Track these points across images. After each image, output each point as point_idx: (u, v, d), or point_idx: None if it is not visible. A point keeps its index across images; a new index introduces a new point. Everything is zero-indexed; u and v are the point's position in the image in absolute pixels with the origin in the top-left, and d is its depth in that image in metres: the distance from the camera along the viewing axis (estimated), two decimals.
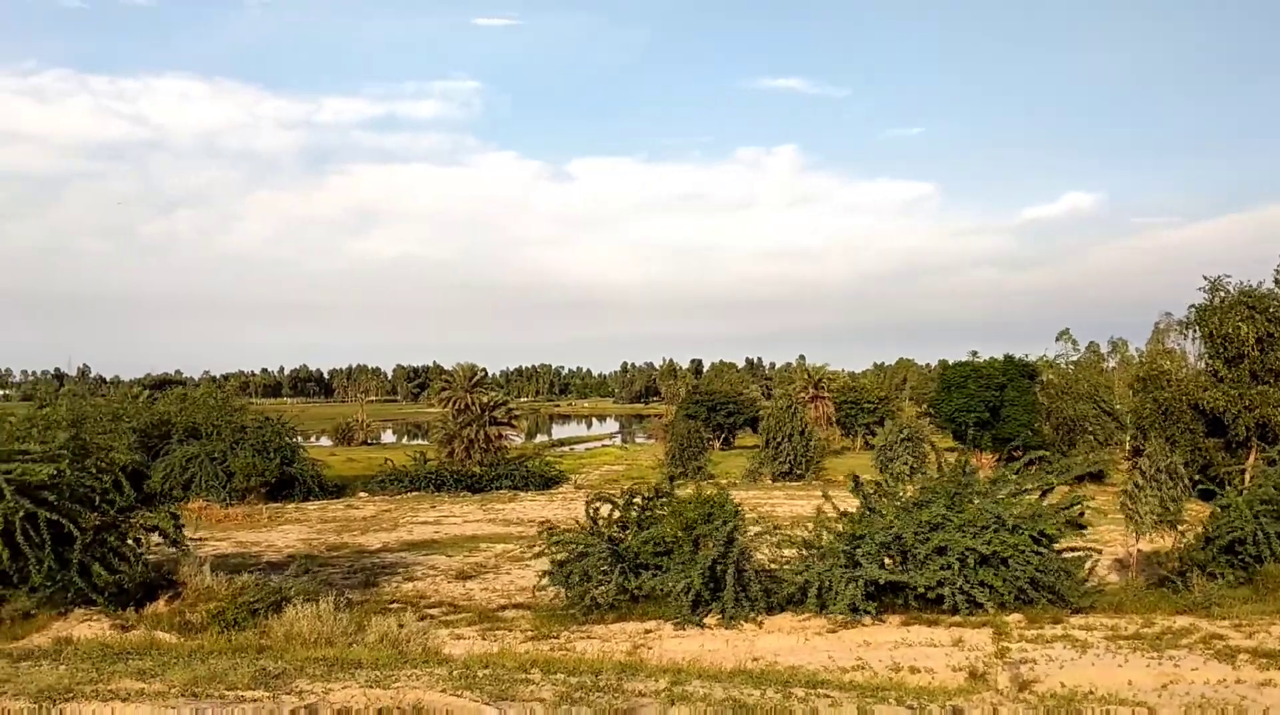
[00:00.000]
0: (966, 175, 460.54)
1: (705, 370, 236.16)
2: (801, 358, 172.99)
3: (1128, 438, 59.41)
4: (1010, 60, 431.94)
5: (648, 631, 17.81)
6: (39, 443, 17.99)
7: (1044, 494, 20.25)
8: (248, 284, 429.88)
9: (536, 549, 20.66)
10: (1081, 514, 20.27)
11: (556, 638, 17.32)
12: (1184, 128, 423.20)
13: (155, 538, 19.84)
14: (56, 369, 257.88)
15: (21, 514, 16.58)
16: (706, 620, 18.12)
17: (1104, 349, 67.21)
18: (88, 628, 15.99)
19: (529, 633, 17.89)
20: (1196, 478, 27.55)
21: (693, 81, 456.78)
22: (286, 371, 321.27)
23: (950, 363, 78.57)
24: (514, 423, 71.79)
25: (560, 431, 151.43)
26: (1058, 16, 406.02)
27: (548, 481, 56.77)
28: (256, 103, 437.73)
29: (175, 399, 59.90)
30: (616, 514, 21.26)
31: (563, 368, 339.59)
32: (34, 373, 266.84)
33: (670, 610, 18.51)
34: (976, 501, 19.43)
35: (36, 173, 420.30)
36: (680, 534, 19.93)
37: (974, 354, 77.09)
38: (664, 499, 21.05)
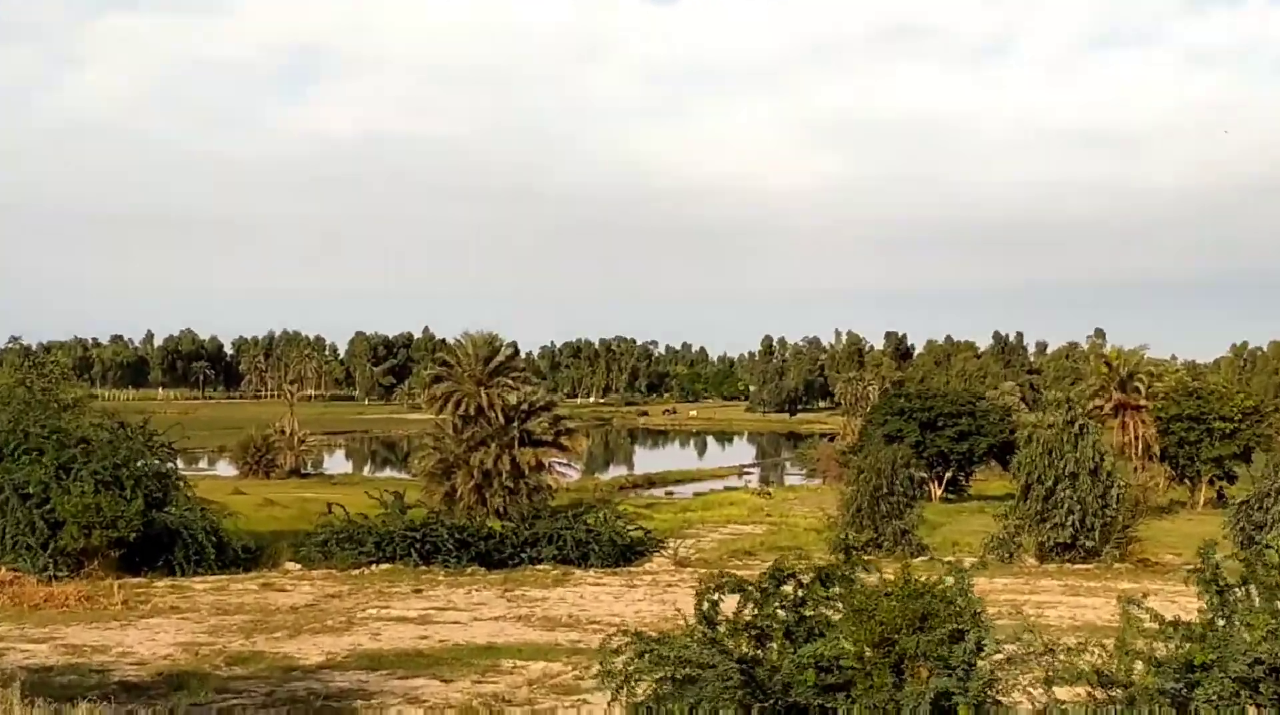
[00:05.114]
0: None
1: (916, 353, 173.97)
2: (1098, 333, 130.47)
3: None
4: None
5: None
6: None
7: None
8: (63, 181, 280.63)
9: (611, 668, 12.55)
10: None
11: None
12: None
13: None
14: None
15: None
16: None
17: None
18: None
19: None
20: None
21: None
22: (156, 341, 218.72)
23: None
24: (565, 442, 54.39)
25: (650, 460, 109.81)
26: None
27: (625, 551, 39.82)
28: None
29: None
30: (751, 611, 13.62)
31: (655, 345, 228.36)
32: None
33: None
34: None
35: None
36: (869, 651, 12.57)
37: None
38: (839, 586, 13.28)
